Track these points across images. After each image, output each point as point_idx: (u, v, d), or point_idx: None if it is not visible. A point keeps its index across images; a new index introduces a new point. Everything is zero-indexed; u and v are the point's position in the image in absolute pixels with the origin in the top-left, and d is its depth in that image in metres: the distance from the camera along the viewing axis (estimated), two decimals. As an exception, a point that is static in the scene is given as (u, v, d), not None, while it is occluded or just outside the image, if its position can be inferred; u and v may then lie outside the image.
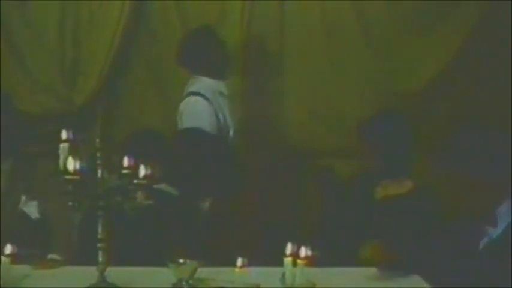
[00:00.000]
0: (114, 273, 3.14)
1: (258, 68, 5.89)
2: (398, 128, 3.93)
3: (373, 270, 3.39)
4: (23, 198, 4.02)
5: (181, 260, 3.12)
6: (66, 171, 2.93)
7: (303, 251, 3.04)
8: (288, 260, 3.02)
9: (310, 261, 3.04)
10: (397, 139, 3.87)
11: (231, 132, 5.32)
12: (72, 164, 2.93)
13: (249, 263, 3.23)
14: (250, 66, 5.87)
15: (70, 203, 2.98)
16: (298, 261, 3.02)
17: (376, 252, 3.36)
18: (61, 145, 3.02)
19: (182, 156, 4.13)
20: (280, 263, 3.04)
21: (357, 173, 4.14)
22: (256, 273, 3.20)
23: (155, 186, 3.22)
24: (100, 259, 3.08)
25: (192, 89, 5.26)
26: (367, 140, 3.94)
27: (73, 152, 2.99)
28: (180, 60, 5.36)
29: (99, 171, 3.04)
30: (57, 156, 3.03)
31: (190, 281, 3.09)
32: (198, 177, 4.08)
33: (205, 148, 4.23)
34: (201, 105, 5.22)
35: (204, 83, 5.27)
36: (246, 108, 5.84)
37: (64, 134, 3.04)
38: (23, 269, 3.22)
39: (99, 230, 3.08)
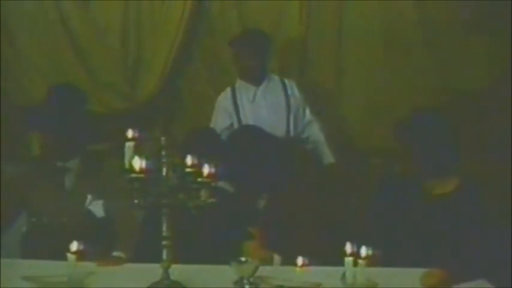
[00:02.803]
0: (177, 270, 3.16)
1: (315, 66, 5.89)
2: (437, 127, 3.86)
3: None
4: (89, 197, 4.05)
5: (243, 259, 3.13)
6: (132, 169, 2.96)
7: (364, 251, 3.04)
8: (348, 260, 3.02)
9: (371, 261, 3.05)
10: (437, 138, 3.80)
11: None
12: (138, 163, 2.95)
13: (310, 262, 3.22)
14: (308, 64, 5.88)
15: (136, 201, 3.02)
16: (359, 260, 3.02)
17: (438, 281, 3.32)
18: (127, 144, 3.04)
19: (239, 154, 4.15)
20: (341, 263, 3.05)
21: (405, 172, 4.09)
22: (316, 272, 3.18)
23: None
24: (164, 256, 3.10)
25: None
26: (405, 139, 3.88)
27: (138, 150, 3.02)
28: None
29: (164, 170, 3.07)
30: (122, 155, 3.06)
31: (252, 279, 3.09)
32: (254, 174, 4.10)
33: (262, 145, 4.24)
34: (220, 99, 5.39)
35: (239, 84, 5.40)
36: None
37: (130, 133, 3.05)
38: (88, 266, 3.23)
39: (164, 227, 3.10)
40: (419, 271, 3.37)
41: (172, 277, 3.13)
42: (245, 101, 5.38)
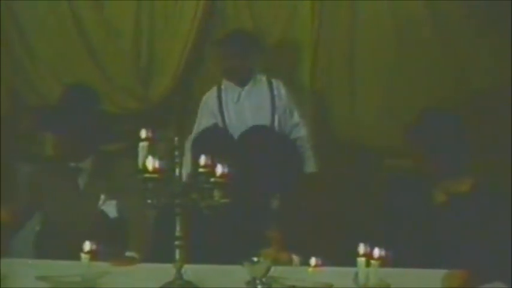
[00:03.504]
0: (190, 270, 3.17)
1: (328, 67, 5.89)
2: (449, 126, 3.84)
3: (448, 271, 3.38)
4: (102, 197, 4.07)
5: (255, 259, 3.13)
6: (145, 169, 2.97)
7: (377, 251, 3.04)
8: (361, 260, 3.02)
9: (384, 262, 3.05)
10: (449, 138, 3.79)
11: None
12: (151, 163, 2.96)
13: (322, 263, 3.22)
14: (320, 65, 5.88)
15: (149, 201, 3.02)
16: (372, 261, 3.02)
17: (460, 282, 3.31)
18: (140, 144, 3.05)
19: (250, 153, 4.16)
20: (354, 263, 3.05)
21: (418, 172, 4.07)
22: (329, 272, 3.18)
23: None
24: (177, 256, 3.11)
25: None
26: (417, 140, 3.86)
27: (152, 150, 3.02)
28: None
29: (177, 170, 3.08)
30: (135, 155, 3.06)
31: (264, 280, 3.10)
32: (266, 174, 4.10)
33: (272, 145, 4.24)
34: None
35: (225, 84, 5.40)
36: (316, 107, 5.85)
37: (143, 133, 3.06)
38: (101, 266, 3.24)
39: (177, 228, 3.11)
40: (432, 272, 3.38)
41: (185, 277, 3.14)
42: (230, 102, 5.38)
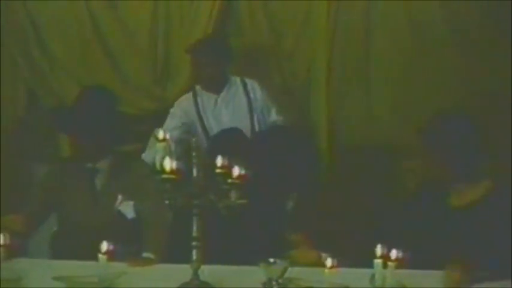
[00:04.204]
0: (207, 271, 3.17)
1: (343, 67, 5.89)
2: (465, 129, 3.82)
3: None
4: (119, 197, 4.07)
5: (271, 260, 3.14)
6: (163, 170, 2.97)
7: (394, 253, 3.03)
8: (378, 262, 3.02)
9: (401, 263, 3.04)
10: (464, 140, 3.77)
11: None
12: (169, 163, 2.97)
13: (339, 264, 3.22)
14: (335, 65, 5.88)
15: (167, 202, 3.03)
16: (389, 262, 3.02)
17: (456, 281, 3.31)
18: (158, 144, 3.06)
19: (266, 153, 4.16)
20: (370, 265, 3.05)
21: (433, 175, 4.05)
22: (345, 274, 3.17)
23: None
24: (194, 257, 3.11)
25: None
26: (432, 143, 3.85)
27: (169, 151, 3.03)
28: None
29: (195, 171, 3.08)
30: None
31: (280, 281, 3.10)
32: (283, 174, 4.10)
33: (289, 145, 4.24)
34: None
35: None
36: (331, 107, 5.85)
37: (161, 134, 3.06)
38: (118, 266, 3.25)
39: (194, 228, 3.11)
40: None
41: (201, 278, 3.14)
42: (207, 106, 5.38)
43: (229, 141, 4.52)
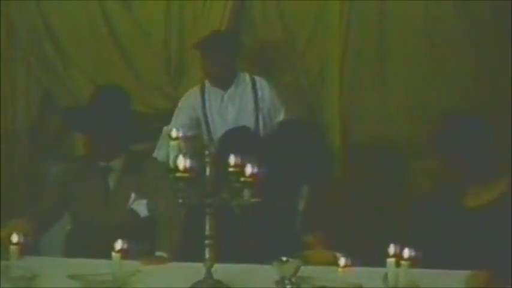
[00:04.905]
0: (220, 269, 3.18)
1: (356, 67, 5.88)
2: (477, 129, 3.81)
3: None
4: (133, 196, 4.07)
5: (284, 258, 3.14)
6: (176, 169, 2.98)
7: (407, 252, 3.03)
8: (391, 261, 3.02)
9: (414, 262, 3.04)
10: (477, 141, 3.75)
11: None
12: (182, 162, 2.97)
13: (352, 263, 3.21)
14: (348, 65, 5.87)
15: (180, 201, 3.03)
16: (402, 262, 3.02)
17: (483, 283, 3.29)
18: (171, 143, 3.06)
19: (279, 149, 4.16)
20: (383, 264, 3.05)
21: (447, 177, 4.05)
22: (358, 273, 3.17)
23: None
24: (207, 256, 3.12)
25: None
26: (444, 144, 3.83)
27: (183, 149, 3.03)
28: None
29: (208, 169, 3.09)
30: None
31: (293, 279, 3.10)
32: (295, 172, 4.10)
33: (302, 141, 4.23)
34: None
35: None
36: (344, 106, 5.85)
37: (174, 132, 3.07)
38: (132, 264, 3.26)
39: (207, 227, 3.11)
40: (463, 273, 3.34)
41: (215, 276, 3.15)
42: (213, 105, 5.36)
43: (239, 139, 4.50)
